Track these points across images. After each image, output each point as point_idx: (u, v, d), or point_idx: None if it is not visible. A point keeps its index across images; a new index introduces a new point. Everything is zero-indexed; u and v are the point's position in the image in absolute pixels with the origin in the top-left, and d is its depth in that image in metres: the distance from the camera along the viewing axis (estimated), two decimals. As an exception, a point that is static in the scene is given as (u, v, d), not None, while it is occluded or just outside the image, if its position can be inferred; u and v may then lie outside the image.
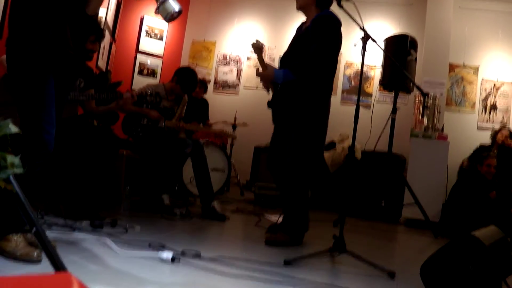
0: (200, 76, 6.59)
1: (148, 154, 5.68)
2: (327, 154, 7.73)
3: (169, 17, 3.02)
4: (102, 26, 4.59)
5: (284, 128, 4.38)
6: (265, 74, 4.34)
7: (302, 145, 4.29)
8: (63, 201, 4.27)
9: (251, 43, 4.42)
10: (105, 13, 7.36)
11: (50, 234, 3.34)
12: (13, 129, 1.33)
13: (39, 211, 3.97)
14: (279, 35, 9.08)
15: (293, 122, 4.30)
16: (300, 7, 4.48)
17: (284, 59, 4.49)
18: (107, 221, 4.03)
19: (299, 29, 4.56)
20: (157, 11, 3.01)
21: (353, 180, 6.80)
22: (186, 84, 5.74)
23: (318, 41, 4.24)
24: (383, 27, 8.84)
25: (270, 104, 4.41)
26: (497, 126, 7.87)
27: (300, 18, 4.69)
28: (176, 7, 3.00)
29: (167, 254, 3.10)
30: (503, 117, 8.35)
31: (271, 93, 4.45)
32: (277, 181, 4.63)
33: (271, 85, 4.41)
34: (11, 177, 1.58)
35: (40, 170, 2.88)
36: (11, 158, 1.33)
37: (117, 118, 6.04)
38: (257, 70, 4.42)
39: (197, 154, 5.63)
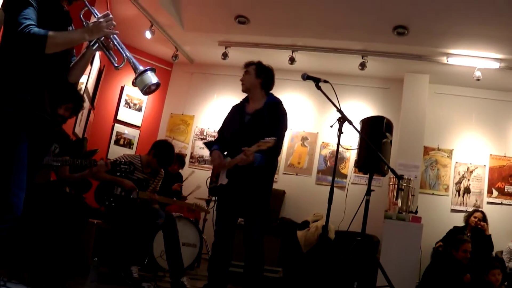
0: (176, 149, 6.59)
1: (119, 224, 5.59)
2: (300, 233, 7.68)
3: (146, 89, 2.99)
4: (81, 93, 4.60)
5: (246, 209, 4.54)
6: (250, 159, 4.34)
7: (266, 224, 4.58)
8: (28, 268, 4.15)
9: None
10: (86, 80, 7.39)
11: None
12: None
13: (1, 277, 3.85)
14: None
15: (259, 204, 4.52)
16: (246, 90, 4.80)
17: (235, 137, 4.61)
18: (72, 292, 3.91)
19: (242, 110, 4.78)
20: (135, 83, 2.99)
21: (326, 260, 6.75)
22: (163, 158, 5.74)
23: (277, 129, 4.57)
24: (360, 107, 8.98)
25: (224, 188, 4.53)
26: (470, 209, 7.94)
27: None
28: (153, 79, 2.98)
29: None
30: (476, 200, 8.42)
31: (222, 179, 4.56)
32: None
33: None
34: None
35: (7, 235, 2.80)
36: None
37: (90, 186, 5.99)
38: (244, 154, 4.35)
39: (169, 227, 5.56)
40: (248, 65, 4.82)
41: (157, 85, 3.02)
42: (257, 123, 4.59)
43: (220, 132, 4.89)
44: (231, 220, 4.59)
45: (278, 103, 4.71)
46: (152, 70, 3.01)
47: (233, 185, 4.48)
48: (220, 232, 4.53)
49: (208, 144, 4.78)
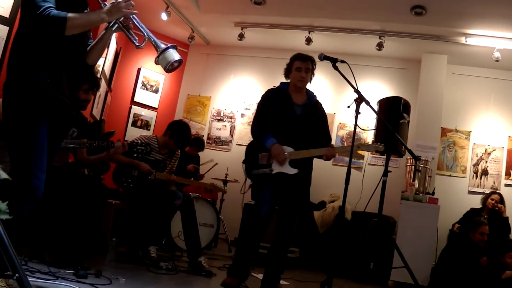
0: (193, 130, 6.59)
1: (137, 205, 5.64)
2: (317, 214, 7.70)
3: (169, 67, 3.00)
4: (98, 76, 4.62)
5: (295, 194, 4.78)
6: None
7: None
8: (48, 248, 4.21)
9: None
10: (103, 62, 7.42)
11: (32, 281, 3.27)
12: (2, 175, 1.32)
13: (23, 257, 3.91)
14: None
15: (307, 193, 4.95)
16: (304, 86, 4.90)
17: (289, 129, 4.71)
18: (91, 271, 3.97)
19: (289, 100, 4.82)
20: (157, 61, 3.00)
21: (342, 241, 6.76)
22: (179, 139, 5.75)
23: (327, 125, 5.02)
24: (377, 88, 8.94)
25: (278, 176, 4.67)
26: (487, 191, 7.88)
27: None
28: (176, 56, 2.98)
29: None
30: (494, 182, 8.36)
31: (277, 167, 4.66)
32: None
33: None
34: (-3, 222, 1.56)
35: (28, 216, 2.85)
36: (-1, 204, 1.31)
37: (108, 168, 6.03)
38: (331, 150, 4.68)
39: (187, 208, 5.60)
40: (309, 60, 4.85)
41: (180, 61, 3.03)
42: (310, 117, 4.82)
43: (263, 119, 4.80)
44: (274, 205, 4.75)
45: (319, 101, 5.00)
46: (174, 47, 3.02)
47: (293, 174, 4.67)
48: (268, 216, 4.62)
49: (260, 135, 4.74)
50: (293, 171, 4.63)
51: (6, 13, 5.13)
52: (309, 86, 4.97)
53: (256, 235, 4.60)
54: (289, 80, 4.93)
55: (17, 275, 1.75)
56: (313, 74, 4.94)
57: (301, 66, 4.79)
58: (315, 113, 4.87)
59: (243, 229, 4.75)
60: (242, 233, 4.72)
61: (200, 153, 8.27)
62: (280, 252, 4.77)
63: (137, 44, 3.09)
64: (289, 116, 4.73)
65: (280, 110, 4.76)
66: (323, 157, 4.67)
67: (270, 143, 4.63)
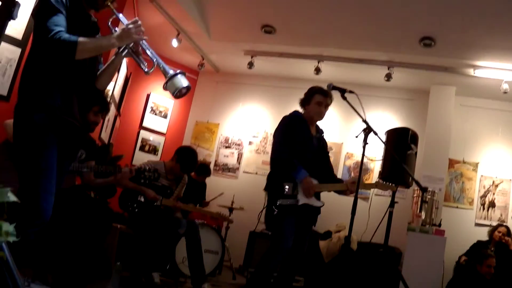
0: (201, 157, 6.58)
1: (142, 230, 5.63)
2: (322, 243, 7.66)
3: (177, 93, 3.01)
4: (108, 100, 4.65)
5: (312, 221, 4.93)
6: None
7: None
8: (52, 270, 4.20)
9: None
10: (113, 87, 7.47)
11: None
12: (12, 197, 1.33)
13: (26, 278, 3.90)
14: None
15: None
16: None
17: (311, 160, 4.77)
18: (95, 296, 3.95)
19: (308, 131, 4.90)
20: (165, 87, 3.01)
21: (348, 271, 6.72)
22: (185, 164, 5.77)
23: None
24: (385, 118, 8.94)
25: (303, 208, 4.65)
26: (494, 223, 7.82)
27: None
28: (184, 82, 2.99)
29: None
30: (501, 215, 8.31)
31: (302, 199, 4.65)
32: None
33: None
34: (4, 245, 1.57)
35: (33, 238, 2.85)
36: (6, 226, 1.32)
37: (115, 191, 6.03)
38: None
39: (192, 234, 5.60)
40: (330, 96, 4.91)
41: (188, 88, 3.04)
42: (323, 150, 5.02)
43: (288, 148, 4.70)
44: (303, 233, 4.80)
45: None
46: (182, 73, 3.03)
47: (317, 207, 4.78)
48: (289, 250, 4.58)
49: (292, 164, 4.63)
50: (319, 203, 4.73)
51: (19, 35, 5.19)
52: None
53: (276, 267, 4.60)
54: (301, 111, 4.98)
55: (20, 297, 1.75)
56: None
57: (322, 101, 4.84)
58: (324, 145, 5.05)
59: (263, 260, 4.65)
60: (262, 265, 4.60)
61: (208, 181, 8.27)
62: (291, 280, 4.82)
63: (146, 70, 3.11)
64: (311, 147, 4.80)
65: (303, 140, 4.78)
66: (346, 192, 4.72)
67: (302, 175, 4.59)
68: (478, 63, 7.53)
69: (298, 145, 4.71)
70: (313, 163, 4.74)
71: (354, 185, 4.53)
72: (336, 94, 4.58)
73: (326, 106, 4.88)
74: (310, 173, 4.63)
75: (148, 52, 3.10)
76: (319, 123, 5.04)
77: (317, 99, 4.84)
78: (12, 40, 5.13)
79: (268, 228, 4.96)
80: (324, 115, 4.92)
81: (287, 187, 4.61)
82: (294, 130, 4.77)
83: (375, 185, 4.76)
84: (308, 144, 4.79)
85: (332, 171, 5.06)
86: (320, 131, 5.05)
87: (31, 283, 3.94)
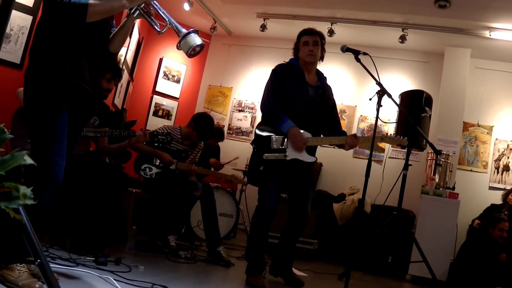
0: (214, 121, 6.55)
1: (158, 194, 5.68)
2: (336, 206, 7.69)
3: (191, 51, 2.97)
4: (121, 65, 4.63)
5: (307, 178, 4.64)
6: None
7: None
8: (69, 235, 4.26)
9: None
10: (125, 52, 7.46)
11: (53, 267, 3.32)
12: (28, 160, 1.34)
13: (44, 244, 3.96)
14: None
15: (312, 178, 4.79)
16: (314, 62, 4.64)
17: (304, 111, 4.49)
18: (111, 259, 4.01)
19: (303, 80, 4.57)
20: (179, 46, 2.98)
21: (361, 234, 6.75)
22: (202, 131, 5.75)
23: (336, 108, 4.84)
24: (399, 81, 8.88)
25: (287, 163, 4.43)
26: (509, 187, 7.79)
27: (318, 66, 4.75)
28: (197, 40, 2.95)
29: (169, 296, 3.07)
30: (515, 178, 8.29)
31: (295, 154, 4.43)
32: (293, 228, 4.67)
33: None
34: (21, 208, 1.59)
35: (48, 202, 2.88)
36: (24, 189, 1.33)
37: (129, 156, 6.06)
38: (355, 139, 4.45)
39: (207, 197, 5.63)
40: (317, 34, 4.66)
41: (202, 46, 3.00)
42: (323, 100, 4.64)
43: (278, 97, 4.46)
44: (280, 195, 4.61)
45: (325, 78, 4.78)
46: (195, 32, 3.00)
47: (308, 162, 4.51)
48: (275, 208, 4.45)
49: (277, 115, 4.39)
50: (311, 159, 4.48)
51: (29, 2, 5.18)
52: (331, 77, 4.88)
53: (266, 228, 4.48)
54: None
55: (38, 260, 1.77)
56: (324, 50, 4.71)
57: (308, 40, 4.60)
58: (324, 95, 4.68)
59: (252, 223, 4.58)
60: (252, 229, 4.56)
61: (222, 145, 8.29)
62: (294, 241, 4.69)
63: (158, 29, 3.09)
64: (303, 97, 4.50)
65: (294, 89, 4.50)
66: (345, 146, 4.43)
67: (287, 126, 4.35)
68: (494, 25, 7.41)
69: (287, 96, 4.47)
70: (304, 115, 4.48)
71: (353, 139, 4.39)
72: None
73: (315, 43, 4.58)
74: (305, 126, 4.43)
75: (160, 12, 3.07)
76: (334, 81, 4.81)
77: (303, 40, 4.62)
78: (23, 8, 5.13)
79: (250, 183, 4.69)
80: (315, 54, 4.57)
81: (274, 139, 4.41)
82: (283, 80, 4.51)
83: (381, 138, 4.50)
84: (300, 94, 4.48)
85: (335, 122, 4.74)
86: (322, 78, 4.72)
87: (49, 248, 4.00)
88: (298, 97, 4.48)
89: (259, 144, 4.50)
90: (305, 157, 4.43)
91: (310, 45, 4.56)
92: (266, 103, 4.45)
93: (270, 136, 4.44)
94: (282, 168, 4.42)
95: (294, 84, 4.51)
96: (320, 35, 4.67)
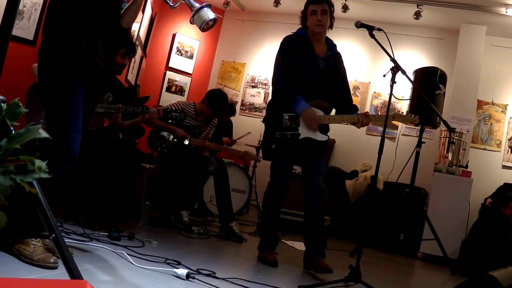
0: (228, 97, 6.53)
1: (171, 170, 5.70)
2: (349, 183, 7.70)
3: (204, 26, 2.95)
4: (134, 41, 4.62)
5: (319, 154, 4.45)
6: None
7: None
8: (83, 211, 4.30)
9: None
10: (138, 27, 7.45)
11: (68, 241, 3.35)
12: (43, 134, 1.35)
13: (59, 219, 4.01)
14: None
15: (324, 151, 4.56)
16: (323, 32, 4.45)
17: (315, 85, 4.34)
18: (124, 234, 4.05)
19: (312, 52, 4.39)
20: (192, 20, 2.96)
21: (373, 211, 6.76)
22: (217, 109, 5.73)
23: (347, 80, 4.61)
24: (413, 58, 8.82)
25: (298, 140, 4.31)
26: (522, 166, 7.78)
27: (335, 41, 4.66)
28: (211, 15, 2.93)
29: (182, 271, 3.10)
30: (530, 158, 8.25)
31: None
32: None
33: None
34: (35, 182, 1.60)
35: (63, 177, 2.90)
36: (39, 163, 1.34)
37: (143, 132, 6.07)
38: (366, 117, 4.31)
39: (220, 173, 5.64)
40: (325, 2, 4.39)
41: (215, 20, 2.97)
42: (334, 73, 4.45)
43: (288, 74, 4.32)
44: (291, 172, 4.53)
45: (335, 46, 4.56)
46: (208, 6, 2.98)
47: (320, 141, 4.37)
48: (286, 184, 4.41)
49: (290, 94, 4.24)
50: (323, 137, 4.35)
51: (42, -22, 5.17)
52: (345, 53, 4.73)
53: (278, 204, 4.44)
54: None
55: (53, 235, 1.79)
56: (333, 18, 4.47)
57: (316, 9, 4.35)
58: (335, 66, 4.47)
59: (264, 200, 4.51)
60: (265, 205, 4.49)
61: (235, 120, 8.30)
62: (319, 224, 4.40)
63: (171, 4, 3.06)
64: (314, 72, 4.33)
65: (305, 64, 4.33)
66: (357, 124, 4.28)
67: (301, 107, 4.22)
68: (510, 1, 7.32)
69: (299, 71, 4.31)
70: (316, 91, 4.32)
71: (367, 118, 4.26)
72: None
73: (324, 12, 4.34)
74: (310, 100, 4.26)
75: (172, -14, 3.04)
76: (348, 57, 4.60)
77: (310, 9, 4.39)
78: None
79: (266, 158, 4.57)
80: (324, 23, 4.35)
81: (286, 118, 4.27)
82: (292, 54, 4.35)
83: (392, 117, 4.38)
84: (310, 69, 4.31)
85: (345, 93, 4.54)
86: (331, 47, 4.49)
87: (63, 223, 4.04)
88: (309, 72, 4.32)
89: (271, 121, 4.42)
90: (318, 135, 4.33)
91: (319, 14, 4.34)
92: (278, 81, 4.33)
93: (281, 114, 4.31)
94: (294, 146, 4.33)
95: (304, 59, 4.35)
96: (329, 2, 4.44)
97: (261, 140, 7.97)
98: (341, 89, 4.50)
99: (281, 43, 4.49)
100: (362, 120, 4.26)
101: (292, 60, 4.35)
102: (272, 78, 4.45)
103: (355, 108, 4.49)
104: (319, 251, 4.29)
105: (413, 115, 4.37)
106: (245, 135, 8.07)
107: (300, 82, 4.31)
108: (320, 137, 4.34)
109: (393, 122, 4.46)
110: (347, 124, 4.69)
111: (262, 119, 4.63)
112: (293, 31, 4.58)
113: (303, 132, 4.28)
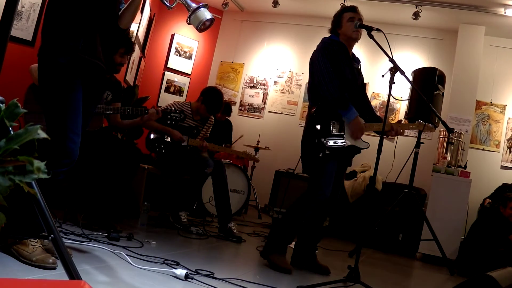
0: (226, 97, 6.57)
1: (169, 171, 5.70)
2: (347, 183, 7.70)
3: (201, 26, 2.94)
4: (133, 40, 4.62)
5: (349, 162, 4.53)
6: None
7: None
8: (82, 211, 4.30)
9: None
10: (137, 28, 7.44)
11: (66, 242, 3.35)
12: (42, 134, 1.35)
13: (57, 219, 4.01)
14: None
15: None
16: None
17: (358, 93, 4.37)
18: (123, 234, 4.05)
19: (350, 60, 4.35)
20: (189, 21, 2.95)
21: (372, 211, 6.76)
22: (211, 104, 5.74)
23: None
24: (412, 58, 8.83)
25: (342, 150, 4.20)
26: (521, 166, 7.79)
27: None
28: (207, 15, 2.93)
29: (180, 272, 3.10)
30: (528, 158, 8.25)
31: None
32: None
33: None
34: (33, 183, 1.60)
35: (63, 179, 2.90)
36: (38, 163, 1.34)
37: (142, 132, 6.07)
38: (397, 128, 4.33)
39: (218, 174, 5.64)
40: (360, 13, 4.39)
41: (212, 20, 2.96)
42: (362, 81, 4.48)
43: (337, 81, 4.12)
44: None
45: None
46: (205, 6, 2.98)
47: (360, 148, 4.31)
48: (327, 198, 4.21)
49: (345, 101, 4.11)
50: (366, 145, 4.28)
51: (41, -22, 5.17)
52: None
53: (312, 217, 4.28)
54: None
55: (52, 236, 1.79)
56: None
57: (354, 16, 4.30)
58: (363, 78, 4.52)
59: (298, 207, 4.21)
60: (297, 212, 4.21)
61: (233, 121, 8.30)
62: (320, 226, 4.46)
63: (168, 4, 3.06)
64: (355, 79, 4.31)
65: (350, 71, 4.27)
66: (391, 132, 4.27)
67: (353, 115, 4.14)
68: (509, 2, 7.33)
69: (346, 79, 4.21)
70: (357, 98, 4.30)
71: (399, 126, 4.29)
72: (362, 33, 4.43)
73: (360, 21, 4.28)
74: (358, 110, 4.20)
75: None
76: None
77: (348, 16, 4.32)
78: (33, -15, 5.11)
79: (305, 171, 4.34)
80: (360, 34, 4.32)
81: (335, 124, 4.14)
82: (338, 59, 4.20)
83: (416, 126, 4.36)
84: (353, 75, 4.28)
85: (371, 106, 4.55)
86: (357, 60, 4.49)
87: (62, 223, 4.04)
88: (352, 79, 4.29)
89: (316, 129, 4.16)
90: (361, 143, 4.27)
91: (357, 22, 4.27)
92: (329, 86, 4.08)
93: (329, 121, 4.15)
94: (339, 155, 4.20)
95: (348, 66, 4.28)
96: (361, 16, 4.41)
97: (259, 141, 8.03)
98: (364, 97, 4.53)
99: (325, 47, 4.27)
100: (398, 128, 4.28)
101: (338, 65, 4.21)
102: (322, 85, 4.14)
103: (379, 118, 4.45)
104: (314, 246, 4.39)
105: (429, 124, 4.31)
106: (238, 139, 8.07)
107: (348, 88, 4.25)
108: (363, 144, 4.29)
109: (392, 123, 4.42)
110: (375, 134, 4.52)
111: (304, 128, 4.40)
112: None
113: (348, 139, 4.20)
